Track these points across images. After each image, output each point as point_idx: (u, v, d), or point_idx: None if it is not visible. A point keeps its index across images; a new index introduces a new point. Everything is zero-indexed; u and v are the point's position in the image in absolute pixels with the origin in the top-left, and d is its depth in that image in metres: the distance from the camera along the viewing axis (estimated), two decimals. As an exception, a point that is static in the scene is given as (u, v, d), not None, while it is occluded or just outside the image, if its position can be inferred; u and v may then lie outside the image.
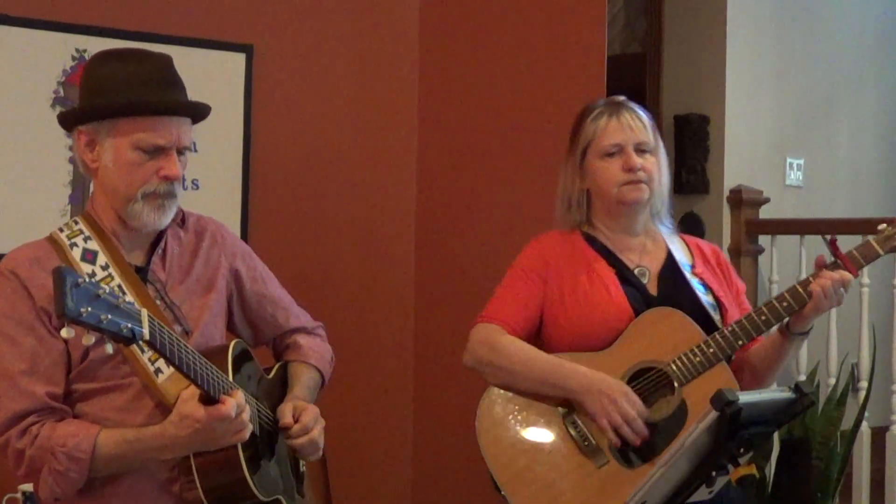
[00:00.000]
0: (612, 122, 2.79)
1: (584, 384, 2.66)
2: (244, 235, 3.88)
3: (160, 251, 2.46)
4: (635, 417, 2.62)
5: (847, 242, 5.17)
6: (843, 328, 4.89)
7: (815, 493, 4.38)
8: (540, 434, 2.71)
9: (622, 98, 2.87)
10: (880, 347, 4.72)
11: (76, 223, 2.41)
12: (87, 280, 2.00)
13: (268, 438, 2.50)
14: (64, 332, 1.97)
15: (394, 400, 4.19)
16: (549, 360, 2.71)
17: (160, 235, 2.46)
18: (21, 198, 3.54)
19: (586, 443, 2.67)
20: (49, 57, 3.58)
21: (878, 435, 4.73)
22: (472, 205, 4.14)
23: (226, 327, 2.61)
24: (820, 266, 2.70)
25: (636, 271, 2.80)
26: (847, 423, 4.57)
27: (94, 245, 2.36)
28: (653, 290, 2.78)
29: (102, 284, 2.04)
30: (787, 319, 2.70)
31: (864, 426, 4.63)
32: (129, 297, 2.26)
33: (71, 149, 3.47)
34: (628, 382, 2.68)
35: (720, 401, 2.12)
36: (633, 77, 5.66)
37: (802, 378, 4.66)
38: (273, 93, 3.95)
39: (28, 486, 2.97)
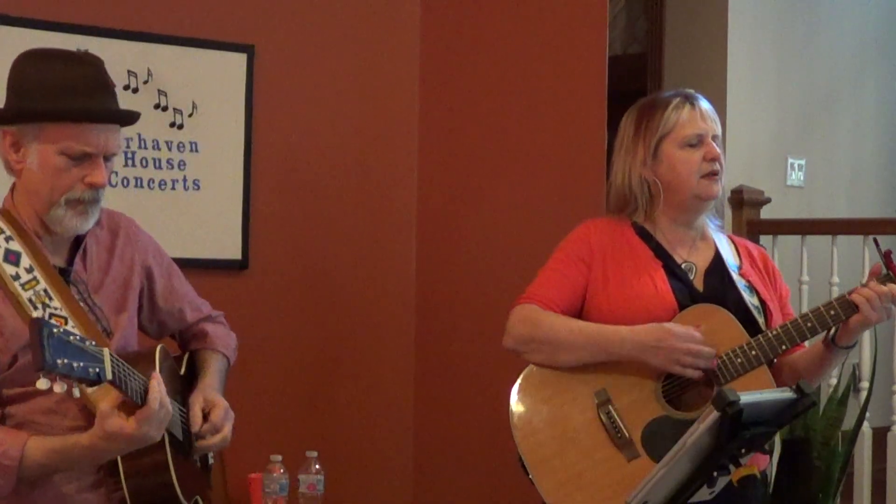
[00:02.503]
0: (694, 113, 2.76)
1: (634, 345, 2.63)
2: (245, 235, 3.89)
3: (81, 252, 2.43)
4: (697, 349, 2.59)
5: (848, 242, 5.20)
6: (844, 328, 4.88)
7: (817, 493, 4.38)
8: (573, 421, 2.68)
9: (689, 91, 2.84)
10: (881, 348, 4.72)
11: None
12: (60, 329, 2.00)
13: (187, 437, 2.49)
14: (41, 384, 1.98)
15: (395, 399, 4.18)
16: (591, 326, 2.69)
17: (80, 236, 2.43)
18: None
19: (618, 434, 2.65)
20: (50, 57, 3.58)
21: (880, 435, 4.73)
22: (473, 204, 4.14)
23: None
24: (874, 275, 2.64)
25: (683, 266, 2.78)
26: (848, 424, 4.57)
27: (16, 246, 2.32)
28: (699, 286, 2.76)
29: (67, 329, 2.03)
30: (833, 331, 2.66)
31: (866, 426, 4.63)
32: (57, 304, 2.26)
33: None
34: (667, 377, 2.66)
35: (721, 401, 2.12)
36: (634, 77, 5.66)
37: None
38: (274, 93, 3.95)
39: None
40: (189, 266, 3.74)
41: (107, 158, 2.35)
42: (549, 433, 2.69)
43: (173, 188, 3.79)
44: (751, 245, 2.94)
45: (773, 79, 5.63)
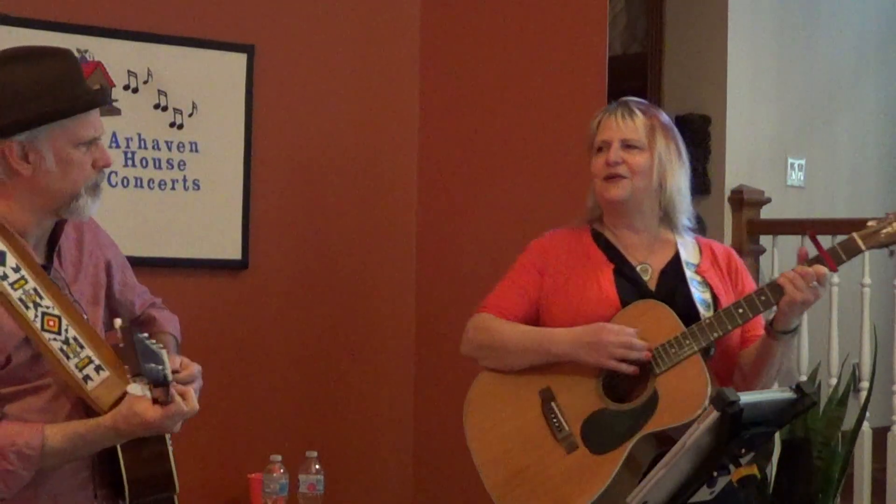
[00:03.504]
0: (604, 120, 2.87)
1: (571, 344, 2.73)
2: (245, 235, 3.89)
3: (57, 249, 2.43)
4: (629, 341, 2.68)
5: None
6: (844, 328, 4.88)
7: (817, 493, 4.38)
8: (519, 419, 2.80)
9: (627, 98, 2.91)
10: (881, 348, 4.72)
11: None
12: (142, 333, 2.11)
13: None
14: (135, 390, 2.13)
15: (395, 399, 4.19)
16: (536, 330, 2.82)
17: (55, 233, 2.42)
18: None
19: (559, 428, 2.75)
20: (50, 57, 3.58)
21: (880, 435, 4.72)
22: (473, 204, 4.14)
23: None
24: (801, 259, 2.69)
25: (638, 268, 2.84)
26: (848, 424, 4.57)
27: None
28: (653, 286, 2.83)
29: (145, 333, 2.12)
30: (771, 318, 2.72)
31: (866, 426, 4.62)
32: (48, 303, 2.28)
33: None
34: (609, 372, 2.74)
35: (721, 401, 2.12)
36: (635, 77, 5.65)
37: (804, 378, 4.66)
38: (274, 93, 3.95)
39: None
40: (189, 266, 3.77)
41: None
42: (497, 433, 2.82)
43: (173, 188, 3.79)
44: (717, 245, 2.99)
45: (774, 78, 5.63)
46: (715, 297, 2.81)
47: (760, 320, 2.81)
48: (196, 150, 3.82)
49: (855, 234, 2.67)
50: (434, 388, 4.18)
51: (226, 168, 3.87)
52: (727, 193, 5.36)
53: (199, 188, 3.82)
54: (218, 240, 3.86)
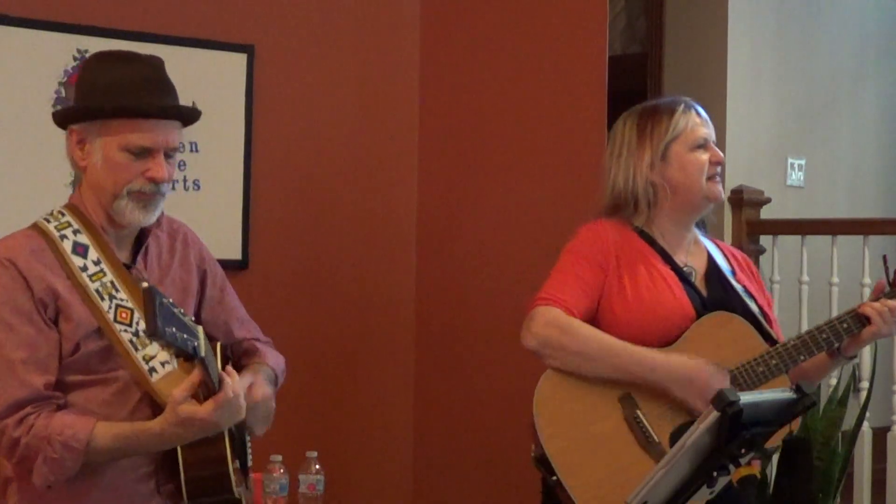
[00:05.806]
0: (699, 118, 2.83)
1: (669, 374, 2.66)
2: (245, 236, 3.89)
3: (143, 251, 2.50)
4: None
5: (848, 242, 5.18)
6: (844, 328, 4.88)
7: (817, 493, 4.38)
8: (599, 425, 2.70)
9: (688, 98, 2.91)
10: (881, 348, 4.72)
11: (62, 214, 2.44)
12: (168, 300, 2.12)
13: (239, 433, 2.55)
14: (156, 350, 2.24)
15: (395, 399, 4.19)
16: (627, 349, 2.69)
17: (143, 235, 2.51)
18: (22, 199, 3.54)
19: (648, 438, 2.68)
20: (50, 57, 3.58)
21: (880, 435, 4.73)
22: (473, 205, 4.14)
23: None
24: (879, 291, 2.74)
25: (684, 270, 2.81)
26: (848, 424, 4.57)
27: (83, 238, 2.41)
28: (704, 291, 2.80)
29: (172, 301, 2.16)
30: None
31: (866, 426, 4.63)
32: (123, 296, 2.37)
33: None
34: None
35: (721, 401, 2.12)
36: (634, 77, 5.66)
37: (803, 378, 4.66)
38: (274, 93, 3.95)
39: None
40: (189, 266, 3.76)
41: (168, 155, 2.43)
42: (574, 436, 2.69)
43: (173, 188, 3.77)
44: (735, 250, 2.99)
45: (773, 79, 5.63)
46: (760, 307, 2.82)
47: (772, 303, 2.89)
48: (196, 150, 3.82)
49: None
50: (434, 388, 4.18)
51: (226, 168, 3.87)
52: (727, 193, 5.36)
53: (199, 188, 3.82)
54: (218, 240, 3.84)
